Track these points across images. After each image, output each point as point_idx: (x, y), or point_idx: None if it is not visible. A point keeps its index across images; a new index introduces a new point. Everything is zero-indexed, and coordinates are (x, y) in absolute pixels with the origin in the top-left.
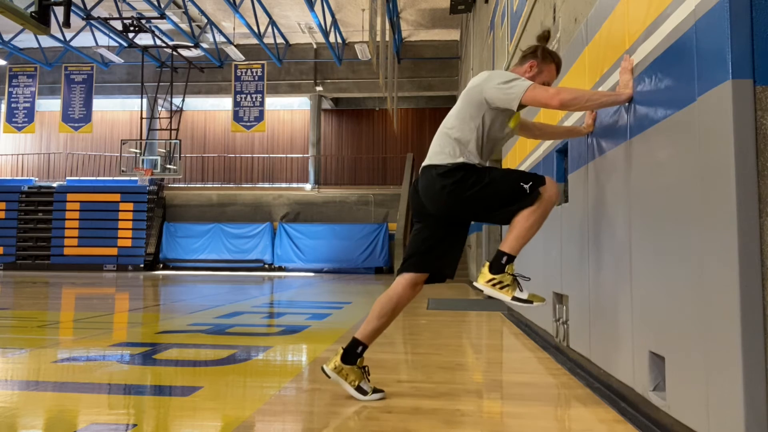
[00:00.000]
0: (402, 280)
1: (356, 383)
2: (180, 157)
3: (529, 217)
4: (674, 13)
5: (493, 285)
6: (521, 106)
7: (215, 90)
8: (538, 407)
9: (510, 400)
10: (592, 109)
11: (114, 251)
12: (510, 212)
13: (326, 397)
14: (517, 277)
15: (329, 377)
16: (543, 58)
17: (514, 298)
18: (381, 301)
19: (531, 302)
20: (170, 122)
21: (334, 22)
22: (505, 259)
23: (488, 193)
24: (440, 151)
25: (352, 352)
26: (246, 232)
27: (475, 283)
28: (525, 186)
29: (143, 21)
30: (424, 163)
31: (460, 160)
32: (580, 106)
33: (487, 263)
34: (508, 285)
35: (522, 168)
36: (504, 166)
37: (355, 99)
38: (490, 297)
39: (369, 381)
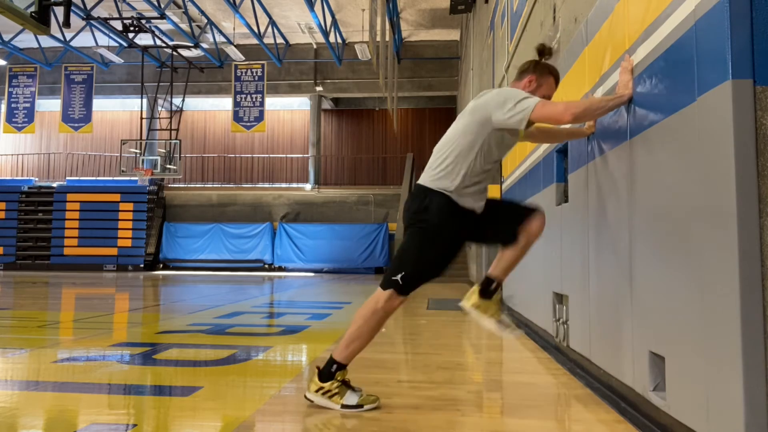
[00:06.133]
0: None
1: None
2: (180, 157)
3: (369, 319)
4: (674, 13)
5: (323, 394)
6: (530, 124)
7: (215, 90)
8: (538, 407)
9: (510, 400)
10: (601, 116)
11: (114, 251)
12: (386, 275)
13: None
14: (347, 384)
15: None
16: (540, 73)
17: (344, 406)
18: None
19: (361, 406)
20: (170, 122)
21: (334, 22)
22: (335, 367)
23: (408, 246)
24: (433, 175)
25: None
26: (246, 232)
27: (306, 393)
28: (397, 275)
29: (143, 21)
30: (418, 181)
31: (449, 192)
32: (591, 116)
33: (317, 369)
34: (336, 393)
35: (521, 168)
36: (503, 167)
37: (355, 99)
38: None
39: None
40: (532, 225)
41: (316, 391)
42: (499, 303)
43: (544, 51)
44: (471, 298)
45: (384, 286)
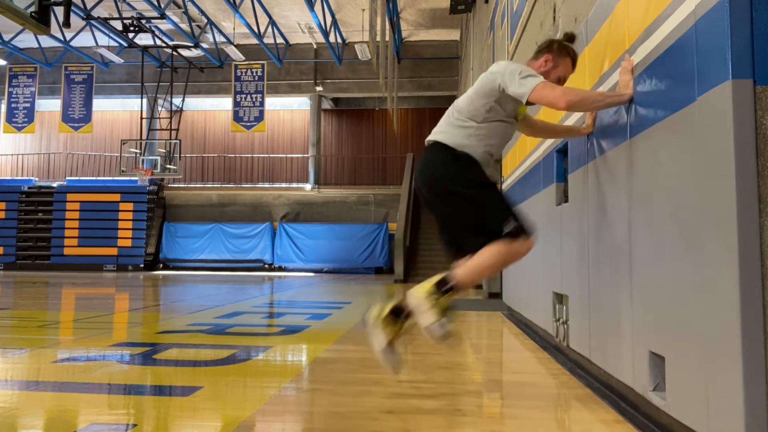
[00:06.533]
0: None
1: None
2: (180, 157)
3: (494, 256)
4: (674, 13)
5: (426, 297)
6: (529, 103)
7: (215, 90)
8: (538, 407)
9: (510, 400)
10: (597, 110)
11: (114, 251)
12: (474, 242)
13: (326, 397)
14: (449, 312)
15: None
16: (558, 53)
17: (431, 326)
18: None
19: (444, 339)
20: (170, 122)
21: (334, 22)
22: (450, 285)
23: (474, 203)
24: (449, 131)
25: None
26: (246, 232)
27: (410, 292)
28: (509, 225)
29: (143, 21)
30: (430, 138)
31: (466, 149)
32: (586, 108)
33: (437, 278)
34: (440, 311)
35: (522, 168)
36: (504, 167)
37: (355, 99)
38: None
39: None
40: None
41: (426, 293)
42: (446, 308)
43: (573, 38)
44: (422, 287)
45: (508, 236)
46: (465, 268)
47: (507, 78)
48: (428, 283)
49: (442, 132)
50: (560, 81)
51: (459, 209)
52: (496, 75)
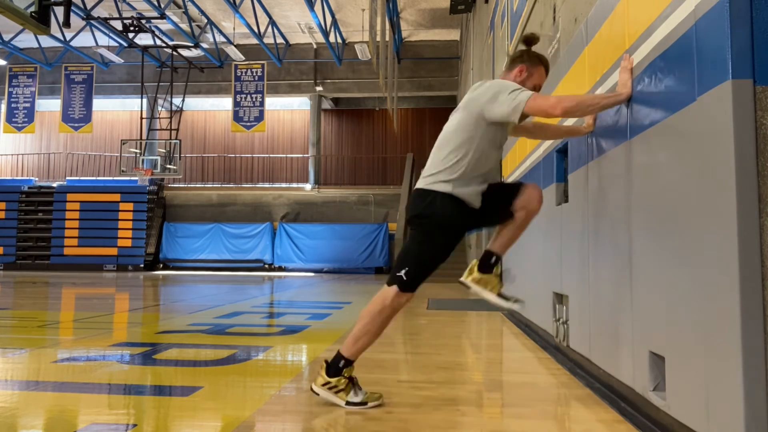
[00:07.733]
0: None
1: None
2: (180, 157)
3: (376, 317)
4: (674, 13)
5: (329, 389)
6: (523, 116)
7: (215, 90)
8: (538, 407)
9: (510, 400)
10: (595, 113)
11: (114, 251)
12: (391, 272)
13: None
14: (353, 381)
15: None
16: (531, 62)
17: (348, 403)
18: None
19: (365, 404)
20: (170, 122)
21: (334, 22)
22: (342, 363)
23: (411, 243)
24: (428, 174)
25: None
26: (246, 232)
27: (313, 386)
28: (401, 272)
29: (143, 21)
30: (418, 184)
31: (440, 187)
32: (583, 112)
33: (325, 363)
34: (342, 389)
35: (521, 168)
36: (504, 167)
37: (355, 99)
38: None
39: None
40: (530, 200)
41: (323, 385)
42: (499, 277)
43: (532, 40)
44: (471, 273)
45: (389, 283)
46: (349, 340)
47: (490, 104)
48: (320, 377)
49: (426, 180)
50: (536, 89)
51: (407, 246)
52: (476, 101)
